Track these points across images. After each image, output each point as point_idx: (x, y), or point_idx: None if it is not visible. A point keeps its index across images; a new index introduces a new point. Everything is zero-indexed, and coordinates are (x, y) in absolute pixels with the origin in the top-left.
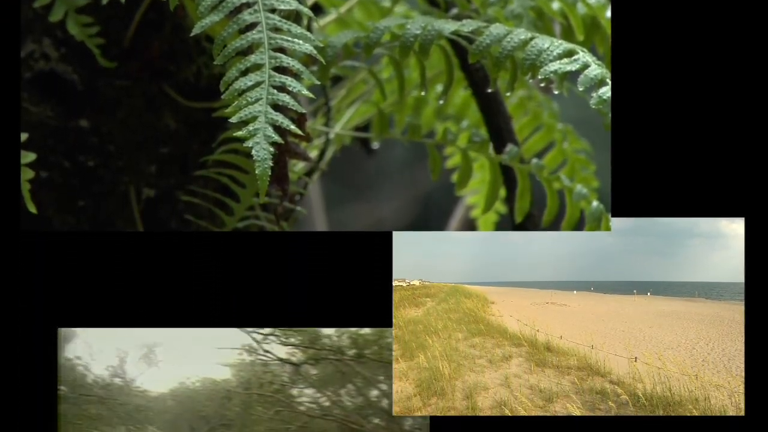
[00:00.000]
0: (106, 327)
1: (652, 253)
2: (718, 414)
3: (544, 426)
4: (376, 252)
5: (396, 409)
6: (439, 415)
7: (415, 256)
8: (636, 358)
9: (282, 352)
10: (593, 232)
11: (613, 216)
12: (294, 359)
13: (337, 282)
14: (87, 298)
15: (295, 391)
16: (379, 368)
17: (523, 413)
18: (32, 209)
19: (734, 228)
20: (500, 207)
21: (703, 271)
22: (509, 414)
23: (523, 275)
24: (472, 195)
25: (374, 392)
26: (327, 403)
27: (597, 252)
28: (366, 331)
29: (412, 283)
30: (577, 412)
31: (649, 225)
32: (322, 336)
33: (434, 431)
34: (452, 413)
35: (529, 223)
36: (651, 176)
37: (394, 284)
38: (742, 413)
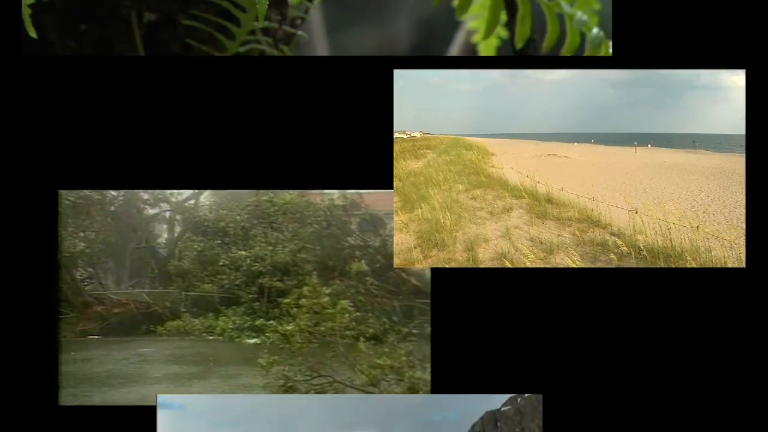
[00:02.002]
0: (106, 188)
1: (653, 105)
2: (719, 266)
3: (544, 277)
4: (376, 101)
5: (396, 261)
6: (439, 266)
7: (416, 109)
8: (637, 210)
9: None
10: (597, 70)
11: (613, 68)
12: None
13: (335, 136)
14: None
15: None
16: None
17: (523, 265)
18: (33, 34)
19: (735, 80)
20: (501, 32)
21: (704, 123)
22: (510, 266)
23: (524, 127)
24: (473, 20)
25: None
26: None
27: (598, 104)
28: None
29: (412, 134)
30: (577, 264)
31: (649, 77)
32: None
33: (435, 283)
34: (453, 265)
35: (530, 49)
36: (652, 27)
37: (394, 136)
38: (743, 265)
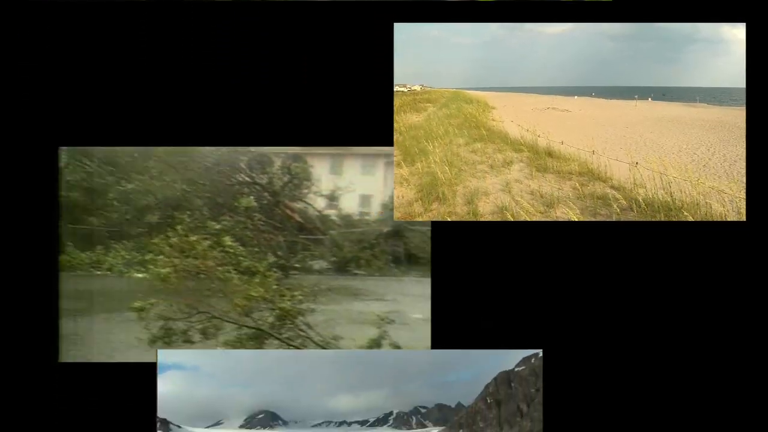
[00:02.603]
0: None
1: (654, 59)
2: (719, 219)
3: (544, 231)
4: (376, 54)
5: (397, 215)
6: (440, 220)
7: (416, 62)
8: (637, 163)
9: None
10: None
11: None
12: None
13: (335, 90)
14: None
15: None
16: None
17: (523, 218)
18: None
19: (735, 33)
20: None
21: (704, 77)
22: (510, 219)
23: (524, 80)
24: None
25: None
26: None
27: (598, 57)
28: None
29: (412, 88)
30: (577, 217)
31: (650, 30)
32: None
33: (435, 236)
34: (453, 218)
35: None
36: None
37: (395, 89)
38: (743, 218)
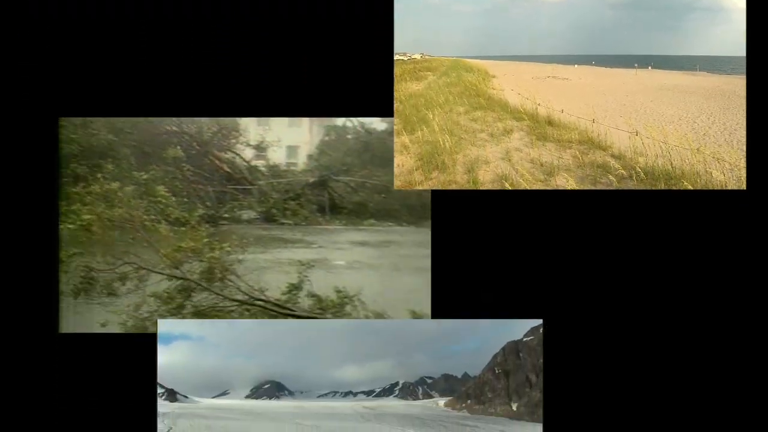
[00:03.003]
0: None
1: (654, 27)
2: (719, 188)
3: (544, 199)
4: (376, 23)
5: (397, 183)
6: (440, 188)
7: (416, 30)
8: (637, 131)
9: None
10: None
11: None
12: None
13: (335, 59)
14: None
15: None
16: None
17: (524, 187)
18: None
19: (735, 1)
20: None
21: (704, 45)
22: (510, 188)
23: (525, 49)
24: None
25: None
26: None
27: (598, 25)
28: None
29: (413, 56)
30: (577, 186)
31: None
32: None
33: (435, 205)
34: (453, 187)
35: None
36: None
37: (395, 58)
38: (744, 187)
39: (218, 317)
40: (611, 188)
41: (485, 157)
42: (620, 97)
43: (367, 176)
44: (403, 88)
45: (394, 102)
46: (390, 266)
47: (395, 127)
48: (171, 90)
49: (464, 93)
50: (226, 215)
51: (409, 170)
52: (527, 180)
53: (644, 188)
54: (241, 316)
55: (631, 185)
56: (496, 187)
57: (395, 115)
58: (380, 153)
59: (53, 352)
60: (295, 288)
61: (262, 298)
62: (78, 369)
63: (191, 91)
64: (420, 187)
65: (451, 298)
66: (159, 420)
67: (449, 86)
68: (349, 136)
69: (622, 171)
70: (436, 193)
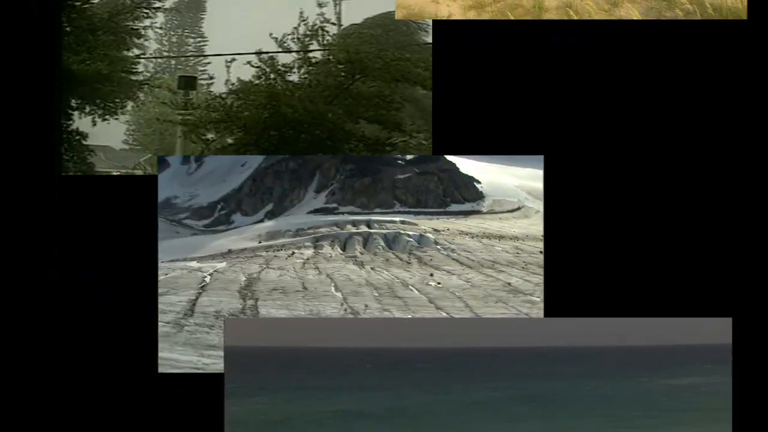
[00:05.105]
0: None
1: None
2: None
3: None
4: None
5: (398, 13)
6: (441, 18)
7: None
8: None
9: None
10: None
11: None
12: None
13: None
14: None
15: None
16: None
17: (587, 17)
18: None
19: None
20: None
21: None
22: (575, 17)
23: None
24: None
25: None
26: None
27: None
28: None
29: None
30: (641, 17)
31: None
32: None
33: (436, 35)
34: (518, 11)
35: None
36: None
37: None
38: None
39: None
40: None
41: None
42: None
43: None
44: None
45: None
46: None
47: None
48: None
49: None
50: None
51: None
52: (591, 9)
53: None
54: None
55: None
56: (561, 16)
57: None
58: None
59: (54, 192)
60: None
61: None
62: (79, 210)
63: None
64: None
65: (452, 131)
66: None
67: None
68: None
69: (689, 6)
70: (437, 23)
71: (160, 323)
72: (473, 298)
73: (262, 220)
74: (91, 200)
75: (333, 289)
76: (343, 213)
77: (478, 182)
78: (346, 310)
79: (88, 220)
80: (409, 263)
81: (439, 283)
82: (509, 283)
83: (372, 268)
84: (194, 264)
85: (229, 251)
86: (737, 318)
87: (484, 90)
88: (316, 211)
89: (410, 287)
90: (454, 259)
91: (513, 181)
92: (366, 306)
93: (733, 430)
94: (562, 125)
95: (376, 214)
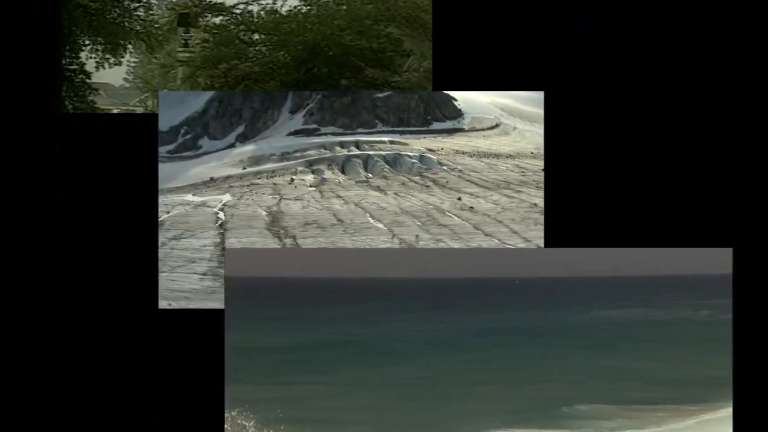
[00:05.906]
0: None
1: None
2: None
3: None
4: None
5: None
6: None
7: None
8: None
9: None
10: None
11: None
12: None
13: None
14: None
15: None
16: None
17: None
18: None
19: None
20: None
21: None
22: None
23: None
24: None
25: None
26: None
27: None
28: None
29: None
30: None
31: None
32: None
33: None
34: None
35: None
36: None
37: None
38: None
39: None
40: None
41: None
42: None
43: None
44: None
45: None
46: None
47: None
48: None
49: None
50: None
51: None
52: None
53: None
54: None
55: None
56: None
57: None
58: None
59: (53, 131)
60: None
61: None
62: (78, 149)
63: None
64: None
65: (454, 67)
66: None
67: None
68: None
69: None
70: None
71: (195, 275)
72: (513, 221)
73: (233, 144)
74: (90, 138)
75: (371, 219)
76: (326, 134)
77: (455, 99)
78: (399, 243)
79: (87, 158)
80: (427, 186)
81: (472, 207)
82: (535, 204)
83: (396, 194)
84: (195, 198)
85: (212, 179)
86: (738, 248)
87: (486, 24)
88: (297, 133)
89: (447, 213)
90: (468, 180)
91: (485, 98)
92: (417, 236)
93: (733, 361)
94: (563, 61)
95: (360, 134)
